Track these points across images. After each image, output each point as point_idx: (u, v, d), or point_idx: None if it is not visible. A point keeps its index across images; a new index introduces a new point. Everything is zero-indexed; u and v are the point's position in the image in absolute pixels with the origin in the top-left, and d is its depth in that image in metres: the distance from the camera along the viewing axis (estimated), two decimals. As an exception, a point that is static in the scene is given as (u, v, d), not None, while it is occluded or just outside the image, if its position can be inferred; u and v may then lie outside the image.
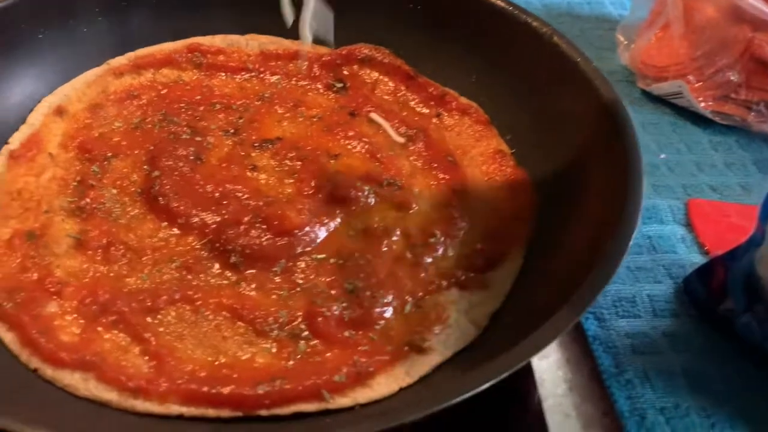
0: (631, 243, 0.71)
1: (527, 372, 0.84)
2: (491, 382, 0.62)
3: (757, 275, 0.81)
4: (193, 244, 0.86)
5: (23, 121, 1.00)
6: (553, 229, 0.87)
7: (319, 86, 1.12)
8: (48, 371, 0.73)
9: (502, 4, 1.05)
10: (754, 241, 0.83)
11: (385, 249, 0.86)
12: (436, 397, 0.61)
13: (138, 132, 1.00)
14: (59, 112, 1.01)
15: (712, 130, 1.18)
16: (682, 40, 1.16)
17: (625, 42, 1.32)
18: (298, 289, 0.83)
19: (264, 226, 0.86)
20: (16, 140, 0.97)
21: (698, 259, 0.95)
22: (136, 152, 0.97)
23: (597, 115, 0.89)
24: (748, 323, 0.82)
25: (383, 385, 0.74)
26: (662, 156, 1.12)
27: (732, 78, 1.14)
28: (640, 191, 0.76)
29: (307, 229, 0.88)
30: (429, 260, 0.87)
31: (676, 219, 1.02)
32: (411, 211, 0.92)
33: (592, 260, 0.73)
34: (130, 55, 1.11)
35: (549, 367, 0.86)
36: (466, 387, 0.61)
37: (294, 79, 1.12)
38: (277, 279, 0.83)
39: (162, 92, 1.06)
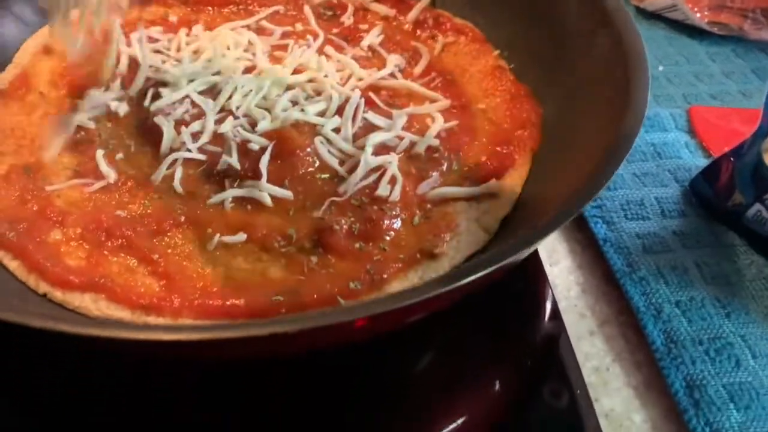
0: (639, 129, 0.69)
1: (540, 275, 0.83)
2: (499, 264, 0.60)
3: (765, 165, 0.81)
4: (193, 172, 0.85)
5: (10, 61, 0.97)
6: (560, 136, 0.86)
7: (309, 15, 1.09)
8: (58, 294, 0.71)
9: None
10: (761, 132, 0.83)
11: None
12: (443, 281, 0.60)
13: (130, 66, 0.97)
14: (46, 51, 0.99)
15: (708, 42, 1.18)
16: (675, -50, 1.14)
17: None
18: (306, 207, 0.82)
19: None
20: (4, 80, 0.95)
21: (703, 163, 0.95)
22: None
23: (598, 21, 0.87)
24: (757, 214, 0.82)
25: (397, 290, 0.73)
26: (660, 68, 1.12)
27: (727, -14, 1.13)
28: (646, 81, 0.75)
29: (309, 149, 0.86)
30: (434, 174, 0.85)
31: (679, 126, 1.01)
32: (412, 129, 0.90)
33: (599, 157, 0.72)
34: (114, -8, 1.08)
35: (560, 273, 0.87)
36: (475, 270, 0.60)
37: (282, 8, 1.10)
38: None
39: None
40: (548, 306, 0.80)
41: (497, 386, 0.76)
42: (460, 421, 0.71)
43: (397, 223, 0.80)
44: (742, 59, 1.14)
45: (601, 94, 0.83)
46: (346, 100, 0.92)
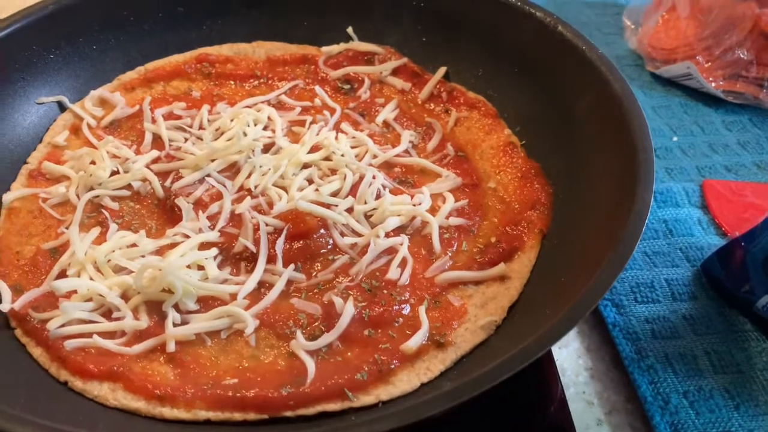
0: (643, 227, 0.71)
1: (549, 362, 0.84)
2: (505, 376, 0.62)
3: (776, 254, 0.81)
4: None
5: (40, 140, 1.02)
6: (568, 218, 0.88)
7: (327, 89, 1.12)
8: (78, 383, 0.74)
9: (505, -4, 1.05)
10: (771, 220, 0.83)
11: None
12: (454, 393, 0.62)
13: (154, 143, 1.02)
14: (74, 129, 1.03)
15: (724, 110, 1.18)
16: (689, 20, 1.15)
17: (632, 26, 1.31)
18: (316, 290, 0.84)
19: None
20: (34, 159, 0.99)
21: (716, 241, 0.95)
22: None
23: (605, 102, 0.89)
24: (768, 304, 0.82)
25: (405, 382, 0.75)
26: (675, 139, 1.12)
27: (741, 56, 1.13)
28: (650, 174, 0.76)
29: (322, 231, 0.89)
30: (444, 255, 0.87)
31: (692, 201, 1.01)
32: (423, 207, 0.92)
33: (607, 246, 0.74)
34: (140, 69, 1.13)
35: (569, 356, 0.87)
36: (482, 383, 0.62)
37: (302, 82, 1.13)
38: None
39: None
40: (556, 394, 0.81)
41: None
42: None
43: (407, 309, 0.82)
44: (759, 128, 1.14)
45: (609, 171, 0.85)
46: (361, 178, 0.95)
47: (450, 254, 0.87)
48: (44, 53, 1.03)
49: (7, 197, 0.93)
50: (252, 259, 0.86)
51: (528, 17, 1.02)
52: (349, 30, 1.16)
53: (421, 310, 0.80)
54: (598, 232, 0.79)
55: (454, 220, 0.91)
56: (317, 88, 1.11)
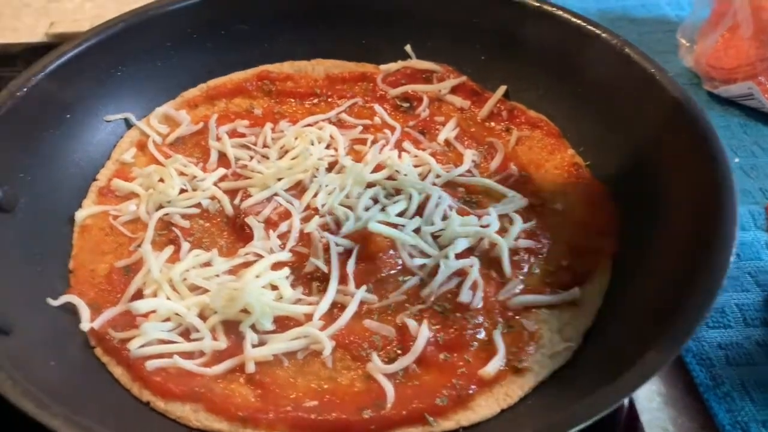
0: (728, 268, 0.70)
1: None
2: (588, 422, 0.62)
3: None
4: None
5: (108, 156, 1.03)
6: (640, 243, 0.87)
7: (386, 107, 1.13)
8: (160, 404, 0.75)
9: (568, 16, 1.05)
10: None
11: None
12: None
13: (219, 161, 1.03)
14: (140, 146, 1.05)
15: (785, 130, 1.16)
16: (752, 40, 1.14)
17: (687, 44, 1.30)
18: (389, 312, 0.84)
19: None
20: (103, 177, 1.01)
21: (785, 265, 0.94)
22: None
23: (679, 125, 0.88)
24: None
25: (484, 407, 0.75)
26: (736, 160, 1.11)
27: (805, 77, 1.12)
28: (734, 203, 0.76)
29: (391, 252, 0.89)
30: (515, 278, 0.87)
31: (758, 224, 1.01)
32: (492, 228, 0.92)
33: (687, 280, 0.73)
34: (203, 86, 1.14)
35: (642, 382, 0.86)
36: (570, 424, 0.62)
37: (361, 100, 1.13)
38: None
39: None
40: (630, 420, 0.80)
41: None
42: None
43: (481, 333, 0.82)
44: (821, 149, 1.13)
45: (686, 196, 0.84)
46: (426, 198, 0.95)
47: (521, 277, 0.87)
48: (112, 71, 1.05)
49: (80, 215, 0.94)
50: (323, 278, 0.87)
51: (593, 38, 1.02)
52: (407, 48, 1.17)
53: (496, 334, 0.81)
54: (676, 261, 0.79)
55: (524, 242, 0.91)
56: (377, 107, 1.11)
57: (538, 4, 1.07)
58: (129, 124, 1.07)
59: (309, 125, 1.08)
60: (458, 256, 0.88)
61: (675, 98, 0.90)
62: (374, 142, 1.05)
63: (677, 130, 0.89)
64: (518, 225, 0.92)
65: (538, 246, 0.91)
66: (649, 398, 0.84)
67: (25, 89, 0.92)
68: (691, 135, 0.86)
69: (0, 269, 0.80)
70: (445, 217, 0.93)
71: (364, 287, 0.85)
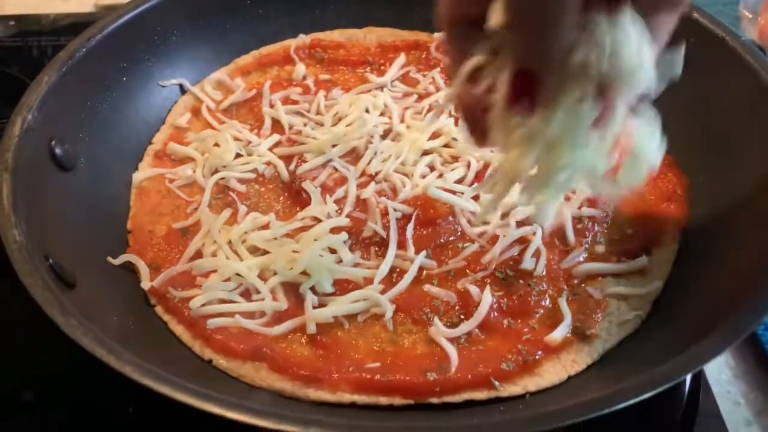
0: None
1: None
2: (662, 387, 0.60)
3: None
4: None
5: (163, 121, 1.03)
6: (711, 214, 0.84)
7: (441, 76, 1.10)
8: (222, 361, 0.75)
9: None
10: None
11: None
12: (599, 401, 0.60)
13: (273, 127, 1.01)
14: (194, 111, 1.04)
15: None
16: (821, 10, 1.10)
17: (750, 16, 1.26)
18: (449, 278, 0.82)
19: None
20: (158, 141, 1.00)
21: None
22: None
23: (757, 95, 0.85)
24: None
25: (552, 373, 0.73)
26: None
27: None
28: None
29: (450, 218, 0.87)
30: (579, 247, 0.85)
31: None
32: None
33: (765, 258, 0.71)
34: (255, 53, 1.13)
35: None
36: (628, 394, 0.60)
37: (414, 68, 1.11)
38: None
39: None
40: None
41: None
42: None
43: (546, 300, 0.80)
44: None
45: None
46: (485, 166, 0.93)
47: (586, 245, 0.85)
48: (167, 35, 1.04)
49: (137, 176, 0.94)
50: (381, 244, 0.85)
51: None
52: (462, 16, 1.14)
53: (562, 301, 0.78)
54: (750, 236, 0.76)
55: (587, 210, 0.88)
56: (434, 74, 1.09)
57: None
58: (183, 90, 1.07)
59: (363, 93, 1.06)
60: (519, 224, 0.86)
61: (751, 65, 0.87)
62: (429, 110, 1.03)
63: (756, 100, 0.85)
64: (581, 193, 0.89)
65: (602, 214, 0.88)
66: (719, 370, 0.82)
67: (84, 50, 0.91)
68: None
69: (62, 226, 0.80)
70: (504, 185, 0.90)
71: (423, 252, 0.84)
